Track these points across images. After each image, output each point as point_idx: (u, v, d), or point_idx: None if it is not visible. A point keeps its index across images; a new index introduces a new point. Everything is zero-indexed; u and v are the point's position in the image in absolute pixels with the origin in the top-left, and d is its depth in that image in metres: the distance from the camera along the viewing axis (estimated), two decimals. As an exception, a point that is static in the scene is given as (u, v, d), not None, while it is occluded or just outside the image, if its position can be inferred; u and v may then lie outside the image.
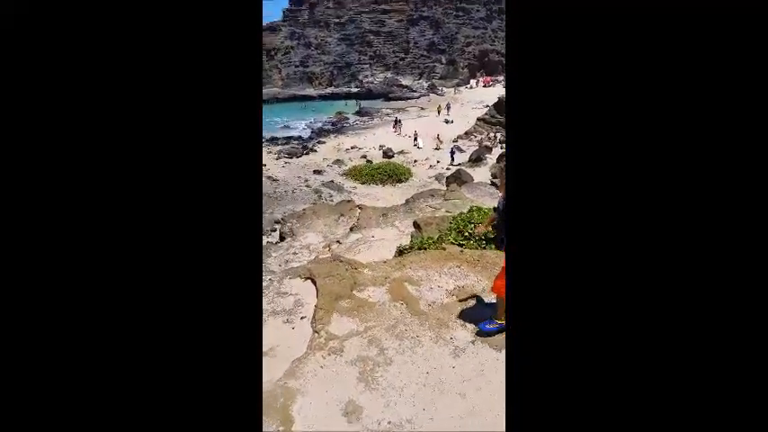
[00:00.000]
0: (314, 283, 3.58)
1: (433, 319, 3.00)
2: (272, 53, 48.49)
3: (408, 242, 6.17)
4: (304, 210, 10.91)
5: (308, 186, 16.47)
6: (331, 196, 15.04)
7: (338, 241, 8.45)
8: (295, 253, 8.54)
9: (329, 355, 2.75)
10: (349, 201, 11.20)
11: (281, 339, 3.02)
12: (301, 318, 3.25)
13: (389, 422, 2.23)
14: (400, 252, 5.02)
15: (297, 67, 49.31)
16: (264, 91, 45.90)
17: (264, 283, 4.09)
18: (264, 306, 3.46)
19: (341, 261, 3.86)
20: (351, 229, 9.10)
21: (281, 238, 9.48)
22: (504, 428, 1.14)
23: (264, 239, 9.66)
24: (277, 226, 11.34)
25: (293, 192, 15.95)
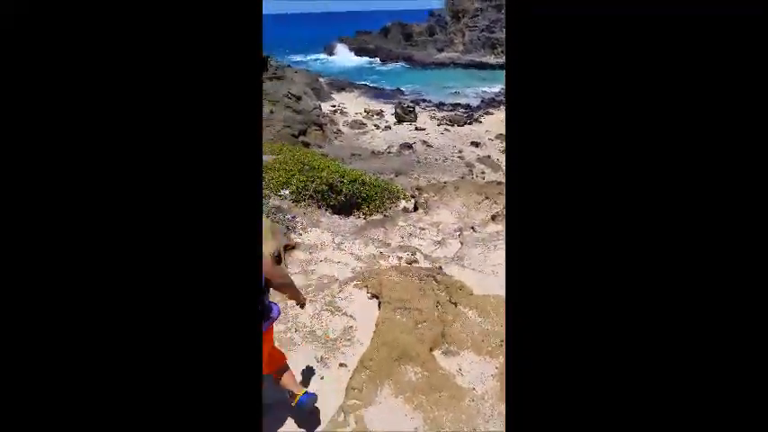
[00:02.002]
0: (380, 307, 2.15)
1: None
2: (460, 15, 46.55)
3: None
4: (445, 183, 9.57)
5: (461, 158, 14.88)
6: (483, 173, 13.23)
7: (473, 228, 6.92)
8: (422, 228, 7.36)
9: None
10: (499, 183, 9.36)
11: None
12: (340, 365, 1.89)
13: None
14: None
15: (482, 32, 46.41)
16: (443, 56, 44.94)
17: (325, 281, 2.83)
18: (305, 321, 2.19)
19: (435, 279, 2.25)
20: (492, 218, 7.40)
21: (415, 208, 8.44)
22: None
23: (402, 203, 8.72)
24: (416, 193, 10.36)
25: (444, 161, 14.57)
